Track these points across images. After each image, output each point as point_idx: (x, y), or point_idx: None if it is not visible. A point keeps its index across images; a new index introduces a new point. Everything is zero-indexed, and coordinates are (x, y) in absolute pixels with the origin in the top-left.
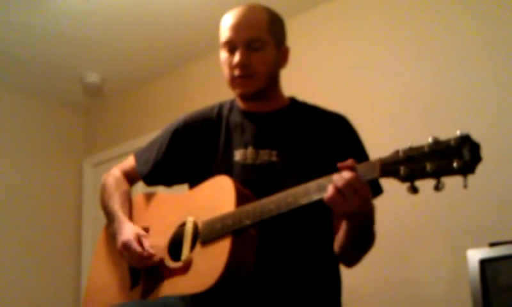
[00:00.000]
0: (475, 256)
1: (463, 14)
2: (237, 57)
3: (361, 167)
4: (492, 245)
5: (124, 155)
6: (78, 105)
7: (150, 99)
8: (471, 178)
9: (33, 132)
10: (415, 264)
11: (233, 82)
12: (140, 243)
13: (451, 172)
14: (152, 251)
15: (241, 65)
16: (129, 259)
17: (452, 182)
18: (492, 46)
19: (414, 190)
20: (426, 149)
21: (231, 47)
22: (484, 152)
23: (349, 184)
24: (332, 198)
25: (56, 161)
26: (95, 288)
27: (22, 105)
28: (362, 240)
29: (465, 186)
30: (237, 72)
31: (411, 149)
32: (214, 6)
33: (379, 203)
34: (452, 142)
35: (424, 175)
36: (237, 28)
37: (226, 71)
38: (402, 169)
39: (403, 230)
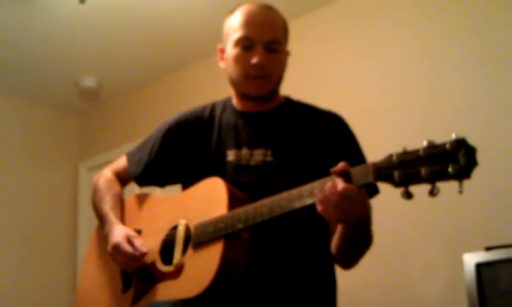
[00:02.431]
0: (471, 260)
1: (463, 16)
2: (256, 57)
3: (353, 171)
4: (488, 249)
5: None
6: (74, 109)
7: (146, 103)
8: (467, 182)
9: (29, 135)
10: (411, 268)
11: (246, 81)
12: (131, 243)
13: (446, 177)
14: (144, 249)
15: (260, 65)
16: (121, 261)
17: (448, 186)
18: (491, 48)
19: (408, 195)
20: (421, 153)
21: (248, 44)
22: (480, 155)
23: (343, 195)
24: (326, 212)
25: (51, 165)
26: (86, 291)
27: (18, 108)
28: (360, 242)
29: (460, 192)
30: (253, 72)
31: (405, 153)
32: (210, 11)
33: (375, 206)
34: (447, 146)
35: (419, 180)
36: (258, 26)
37: (237, 68)
38: (396, 174)
39: (399, 234)
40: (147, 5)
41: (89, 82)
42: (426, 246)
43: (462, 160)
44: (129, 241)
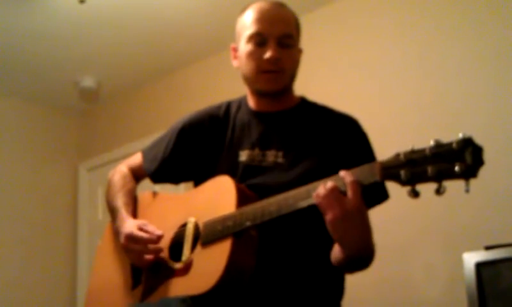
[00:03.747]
0: (471, 259)
1: (463, 16)
2: (269, 52)
3: (361, 170)
4: (488, 248)
5: (120, 159)
6: (73, 110)
7: (146, 103)
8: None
9: (28, 136)
10: (411, 267)
11: (259, 76)
12: (144, 230)
13: (453, 176)
14: (159, 232)
15: (274, 60)
16: (136, 250)
17: (448, 185)
18: (489, 46)
19: (415, 194)
20: (427, 152)
21: (261, 39)
22: None
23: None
24: (322, 208)
25: (51, 165)
26: (97, 288)
27: (17, 108)
28: (356, 267)
29: (467, 190)
30: (266, 66)
31: (412, 152)
32: (210, 12)
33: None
34: (454, 145)
35: (425, 179)
36: (270, 21)
37: (250, 64)
38: (402, 173)
39: (399, 233)
40: (147, 5)
41: (88, 82)
42: (426, 245)
43: (469, 159)
44: (142, 229)
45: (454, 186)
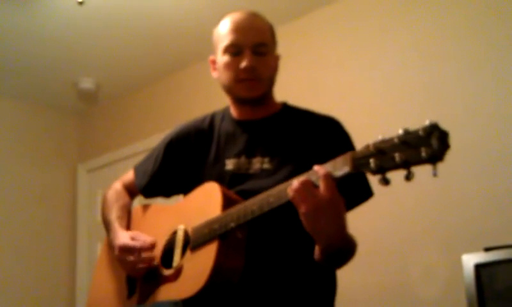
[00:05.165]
0: (470, 260)
1: (462, 17)
2: (245, 61)
3: (333, 162)
4: (487, 250)
5: (119, 161)
6: (72, 111)
7: (145, 105)
8: (467, 182)
9: (27, 137)
10: (411, 269)
11: (237, 85)
12: (136, 240)
13: (419, 161)
14: (151, 240)
15: (250, 68)
16: (130, 260)
17: (447, 187)
18: (489, 46)
19: (385, 181)
20: (396, 140)
21: (236, 50)
22: (480, 156)
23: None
24: (291, 197)
25: (50, 166)
26: (96, 298)
27: (17, 110)
28: (337, 258)
29: (435, 174)
30: (243, 75)
31: (382, 141)
32: (208, 13)
33: (374, 207)
34: (420, 132)
35: (394, 166)
36: (244, 31)
37: (228, 74)
38: (372, 162)
39: (399, 235)
40: (146, 6)
41: (87, 83)
42: (425, 247)
43: (434, 143)
44: (134, 239)
45: (453, 188)
